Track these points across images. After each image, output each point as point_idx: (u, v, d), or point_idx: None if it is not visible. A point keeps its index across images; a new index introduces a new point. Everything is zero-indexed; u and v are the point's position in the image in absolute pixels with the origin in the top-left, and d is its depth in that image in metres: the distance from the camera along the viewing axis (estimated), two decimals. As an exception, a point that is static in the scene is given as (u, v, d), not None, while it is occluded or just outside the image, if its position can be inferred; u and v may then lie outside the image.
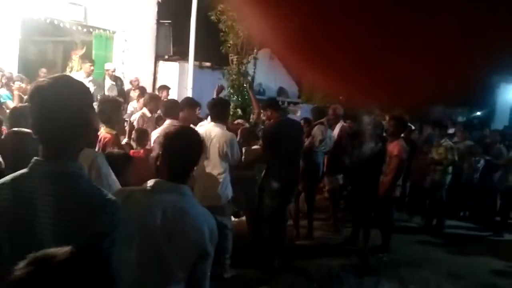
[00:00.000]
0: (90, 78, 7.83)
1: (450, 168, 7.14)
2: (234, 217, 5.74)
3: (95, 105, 4.72)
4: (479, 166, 7.95)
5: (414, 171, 7.46)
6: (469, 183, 7.91)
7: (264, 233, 5.17)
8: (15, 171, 1.46)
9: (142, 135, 4.91)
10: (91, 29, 8.86)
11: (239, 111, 8.03)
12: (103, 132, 3.67)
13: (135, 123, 5.56)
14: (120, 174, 2.84)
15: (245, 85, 8.08)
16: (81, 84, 1.55)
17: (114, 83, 8.40)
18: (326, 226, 6.84)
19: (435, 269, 5.64)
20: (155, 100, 6.17)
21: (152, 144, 4.76)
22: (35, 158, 1.43)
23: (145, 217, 1.80)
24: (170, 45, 10.18)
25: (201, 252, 1.87)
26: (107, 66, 8.44)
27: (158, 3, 9.79)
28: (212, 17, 8.13)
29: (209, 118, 5.08)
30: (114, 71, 8.38)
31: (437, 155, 7.01)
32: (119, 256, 1.41)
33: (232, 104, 7.51)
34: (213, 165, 4.47)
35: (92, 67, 7.70)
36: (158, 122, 5.57)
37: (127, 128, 5.07)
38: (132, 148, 4.79)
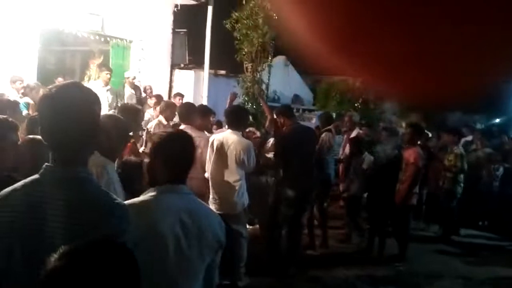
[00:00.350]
0: (108, 87, 7.93)
1: (461, 177, 6.95)
2: (249, 224, 5.73)
3: (115, 113, 4.81)
4: (498, 174, 7.81)
5: (430, 179, 7.36)
6: (488, 191, 7.76)
7: (279, 241, 5.15)
8: None
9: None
10: (108, 39, 9.00)
11: (251, 119, 8.04)
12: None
13: (151, 131, 5.61)
14: (135, 182, 2.86)
15: (255, 92, 8.10)
16: (89, 90, 1.56)
17: (133, 91, 8.51)
18: (341, 234, 6.78)
19: (452, 279, 5.53)
20: (171, 108, 6.20)
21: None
22: (46, 164, 1.45)
23: (162, 224, 1.83)
24: (186, 53, 10.27)
25: (219, 245, 1.95)
26: (127, 74, 8.56)
27: (174, 12, 9.90)
28: (227, 25, 8.19)
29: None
30: (134, 79, 8.49)
31: (448, 162, 6.90)
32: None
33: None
34: (230, 172, 4.48)
35: (109, 75, 7.80)
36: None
37: (144, 136, 5.12)
38: (150, 156, 4.82)
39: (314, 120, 12.64)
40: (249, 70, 8.35)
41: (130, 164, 3.15)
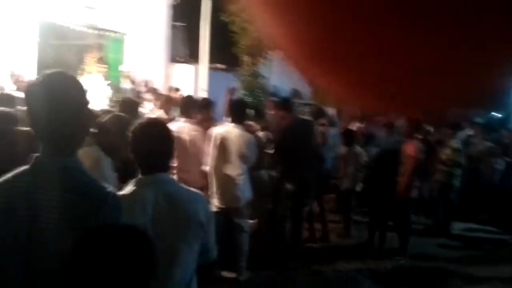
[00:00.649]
0: (108, 81, 7.88)
1: (458, 170, 6.91)
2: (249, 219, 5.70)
3: (115, 107, 4.79)
4: (499, 167, 7.78)
5: (431, 173, 7.32)
6: (488, 185, 7.74)
7: (280, 235, 5.12)
8: None
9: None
10: (105, 32, 8.93)
11: (252, 112, 7.98)
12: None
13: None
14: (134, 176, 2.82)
15: (258, 87, 8.06)
16: (75, 79, 1.55)
17: (132, 86, 8.45)
18: (339, 228, 6.75)
19: (454, 273, 5.51)
20: (170, 103, 6.18)
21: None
22: (35, 154, 1.45)
23: (140, 219, 1.80)
24: (184, 47, 10.21)
25: (200, 226, 1.93)
26: (122, 68, 8.49)
27: (172, 6, 9.83)
28: (224, 19, 8.12)
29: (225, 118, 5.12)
30: (130, 72, 8.42)
31: (444, 155, 6.85)
32: None
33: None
34: (232, 166, 4.44)
35: (106, 70, 7.75)
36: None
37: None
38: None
39: (312, 114, 12.58)
40: (246, 64, 8.29)
41: (129, 158, 3.10)
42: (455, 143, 6.94)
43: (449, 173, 6.86)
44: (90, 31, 8.69)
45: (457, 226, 7.49)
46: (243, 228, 4.53)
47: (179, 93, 7.73)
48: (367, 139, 7.83)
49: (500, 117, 17.75)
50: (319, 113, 6.48)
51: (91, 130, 2.66)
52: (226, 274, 4.59)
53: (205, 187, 4.78)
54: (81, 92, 1.51)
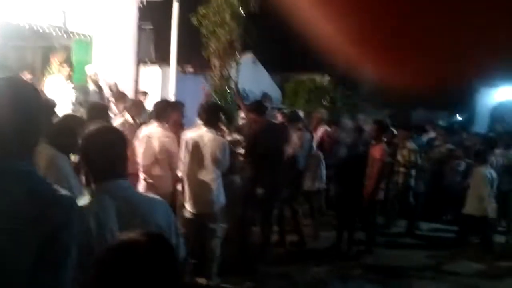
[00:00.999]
0: (72, 84, 7.69)
1: (413, 171, 7.10)
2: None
3: (84, 111, 4.70)
4: (460, 169, 8.04)
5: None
6: (450, 186, 7.98)
7: (248, 239, 5.13)
8: None
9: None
10: (70, 34, 8.72)
11: (222, 117, 7.97)
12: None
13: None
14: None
15: (228, 90, 8.05)
16: (28, 84, 1.56)
17: (96, 89, 8.27)
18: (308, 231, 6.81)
19: (418, 272, 5.66)
20: (138, 106, 6.08)
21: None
22: None
23: (102, 223, 1.77)
24: (152, 49, 10.10)
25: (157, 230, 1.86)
26: (87, 68, 8.30)
27: (139, 8, 9.69)
28: (194, 22, 8.08)
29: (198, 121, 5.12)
30: (95, 75, 8.24)
31: (401, 157, 7.02)
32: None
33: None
34: (206, 171, 4.40)
35: (70, 71, 7.57)
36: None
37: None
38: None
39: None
40: (216, 67, 8.27)
41: None
42: (411, 144, 7.13)
43: (406, 173, 7.03)
44: (56, 32, 8.47)
45: (422, 227, 7.70)
46: (216, 234, 4.51)
47: (146, 97, 7.63)
48: (334, 143, 7.94)
49: (462, 120, 18.40)
50: (295, 117, 6.55)
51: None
52: (197, 279, 4.57)
53: (176, 192, 4.76)
54: (33, 97, 1.51)
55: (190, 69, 10.43)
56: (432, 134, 8.83)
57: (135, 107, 5.94)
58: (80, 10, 8.46)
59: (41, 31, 8.20)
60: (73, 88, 7.48)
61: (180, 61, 9.74)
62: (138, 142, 4.70)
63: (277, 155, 5.09)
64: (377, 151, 5.90)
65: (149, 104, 7.59)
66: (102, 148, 1.87)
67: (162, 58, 10.11)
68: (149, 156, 4.66)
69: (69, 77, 7.56)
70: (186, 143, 4.44)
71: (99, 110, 4.48)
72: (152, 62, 10.20)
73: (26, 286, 1.32)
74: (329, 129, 7.81)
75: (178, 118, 5.16)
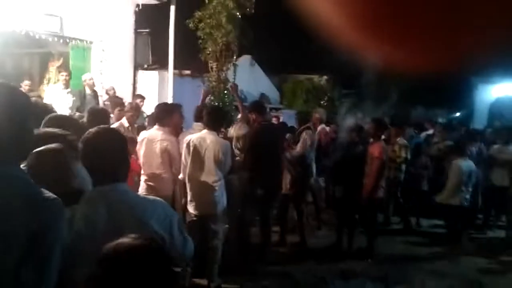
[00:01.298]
0: (69, 89, 7.72)
1: (403, 166, 7.13)
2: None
3: (85, 116, 4.70)
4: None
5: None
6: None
7: (247, 239, 5.14)
8: None
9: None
10: (67, 40, 8.75)
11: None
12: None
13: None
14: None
15: (225, 92, 8.06)
16: (17, 91, 1.59)
17: (92, 94, 8.28)
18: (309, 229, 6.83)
19: (420, 269, 5.66)
20: (135, 110, 6.09)
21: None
22: None
23: (93, 225, 1.77)
24: (149, 54, 10.12)
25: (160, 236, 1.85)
26: (84, 76, 8.32)
27: (136, 12, 9.72)
28: (190, 25, 8.10)
29: (194, 124, 5.15)
30: (91, 79, 8.26)
31: (392, 153, 7.04)
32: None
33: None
34: (208, 173, 4.42)
35: (67, 77, 7.60)
36: (139, 131, 5.48)
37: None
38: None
39: (281, 119, 12.70)
40: (214, 69, 8.28)
41: None
42: (402, 140, 7.17)
43: (396, 168, 7.05)
44: (53, 39, 8.50)
45: (423, 223, 7.70)
46: (218, 235, 4.52)
47: (143, 101, 7.64)
48: (333, 141, 7.96)
49: (461, 116, 18.40)
50: (305, 118, 6.70)
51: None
52: (198, 281, 4.58)
53: (176, 195, 4.78)
54: (24, 103, 1.54)
55: (187, 72, 10.44)
56: (430, 131, 8.83)
57: (131, 111, 5.95)
58: (77, 16, 8.49)
59: (37, 37, 8.22)
60: (69, 93, 7.50)
61: (177, 65, 9.76)
62: (139, 145, 4.73)
63: (274, 155, 5.11)
64: (375, 149, 5.91)
65: (146, 108, 7.62)
66: (101, 151, 1.87)
67: (159, 62, 10.13)
68: (150, 158, 4.68)
69: (67, 83, 7.59)
70: (188, 145, 4.45)
71: (99, 114, 4.49)
72: (150, 66, 10.21)
73: (12, 285, 1.34)
74: (327, 128, 7.83)
75: (179, 121, 5.18)
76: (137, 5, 9.61)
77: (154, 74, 10.16)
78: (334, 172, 6.58)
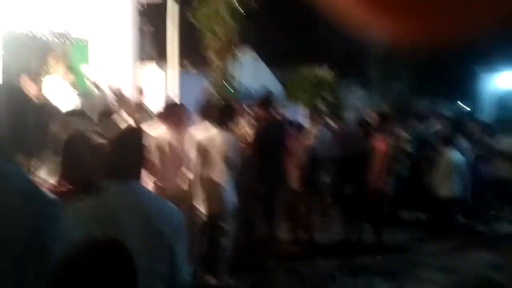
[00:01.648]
0: (73, 88, 7.68)
1: (405, 159, 7.07)
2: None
3: (92, 114, 4.68)
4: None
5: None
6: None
7: (253, 235, 5.11)
8: None
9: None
10: (71, 39, 8.70)
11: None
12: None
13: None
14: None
15: (228, 87, 8.02)
16: (15, 88, 1.62)
17: (97, 91, 8.25)
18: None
19: (428, 264, 5.61)
20: (141, 110, 6.08)
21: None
22: None
23: (111, 227, 1.75)
24: (152, 50, 10.08)
25: (166, 246, 1.81)
26: (87, 74, 8.28)
27: (139, 10, 9.67)
28: (191, 19, 8.04)
29: (198, 120, 5.06)
30: (94, 77, 8.22)
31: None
32: None
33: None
34: (218, 171, 4.38)
35: (67, 73, 7.56)
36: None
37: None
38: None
39: (285, 113, 12.69)
40: (215, 64, 8.23)
41: None
42: (403, 132, 7.11)
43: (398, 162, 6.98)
44: (53, 37, 8.46)
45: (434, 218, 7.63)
46: (228, 233, 4.50)
47: (142, 93, 7.57)
48: (339, 135, 7.90)
49: (468, 108, 18.28)
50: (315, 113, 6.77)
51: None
52: (207, 278, 4.56)
53: (184, 193, 4.74)
54: (19, 100, 1.56)
55: (190, 68, 10.40)
56: (436, 124, 8.71)
57: (138, 110, 5.93)
58: (78, 14, 8.44)
59: (38, 36, 8.18)
60: (69, 87, 7.47)
61: (180, 61, 9.71)
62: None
63: (276, 151, 5.05)
64: (381, 144, 5.86)
65: (150, 105, 7.58)
66: (120, 148, 1.89)
67: (162, 58, 10.09)
68: (156, 157, 4.64)
69: (66, 75, 7.53)
70: (197, 143, 4.41)
71: (108, 115, 4.43)
72: (152, 63, 10.18)
73: (11, 285, 1.35)
74: (331, 123, 7.78)
75: (185, 119, 5.11)
76: (141, 3, 9.56)
77: (156, 70, 10.13)
78: (341, 168, 6.52)
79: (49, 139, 2.79)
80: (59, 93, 7.40)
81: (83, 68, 8.70)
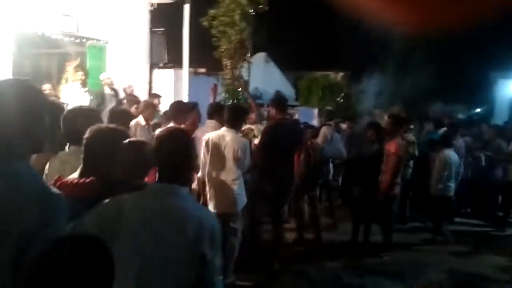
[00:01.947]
0: (86, 88, 7.80)
1: (411, 162, 7.07)
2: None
3: (105, 116, 4.74)
4: (481, 163, 7.88)
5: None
6: (469, 179, 7.84)
7: (260, 236, 5.12)
8: None
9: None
10: (84, 40, 8.84)
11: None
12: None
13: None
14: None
15: (239, 89, 8.06)
16: (30, 87, 1.58)
17: (113, 93, 8.36)
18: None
19: (437, 267, 5.57)
20: (151, 108, 6.13)
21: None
22: None
23: (144, 223, 1.78)
24: (164, 52, 10.17)
25: (198, 253, 1.81)
26: (102, 76, 8.41)
27: (151, 11, 9.78)
28: (204, 23, 8.12)
29: (207, 121, 5.15)
30: (109, 79, 8.34)
31: None
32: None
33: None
34: (228, 171, 4.41)
35: (83, 76, 7.69)
36: (155, 129, 5.52)
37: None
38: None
39: (296, 116, 12.68)
40: (228, 67, 8.29)
41: None
42: (411, 136, 7.08)
43: (406, 165, 6.93)
44: (69, 39, 8.60)
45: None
46: (237, 233, 4.52)
47: (159, 99, 7.68)
48: (350, 137, 7.91)
49: (482, 112, 18.07)
50: (328, 115, 6.93)
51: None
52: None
53: (194, 192, 4.78)
54: (34, 100, 1.54)
55: (203, 70, 10.48)
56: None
57: (148, 109, 5.99)
58: (92, 16, 8.58)
59: (54, 38, 8.33)
60: (86, 92, 7.58)
61: (192, 63, 9.79)
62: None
63: (286, 152, 5.05)
64: (392, 146, 5.84)
65: (162, 106, 7.65)
66: (170, 152, 1.91)
67: (174, 61, 10.17)
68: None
69: (84, 82, 7.67)
70: (207, 143, 4.44)
71: (120, 115, 4.47)
72: (165, 65, 10.27)
73: (9, 281, 1.35)
74: (342, 125, 7.80)
75: (196, 119, 5.18)
76: (152, 4, 9.67)
77: (169, 73, 10.21)
78: (350, 171, 6.53)
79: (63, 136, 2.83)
80: (75, 96, 7.54)
81: (98, 69, 8.84)
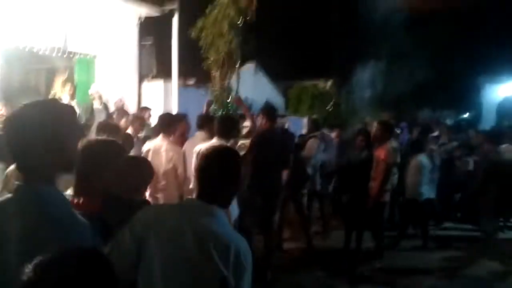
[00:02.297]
0: (74, 101, 7.78)
1: (395, 169, 7.06)
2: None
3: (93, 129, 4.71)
4: (469, 167, 7.96)
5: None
6: (458, 184, 7.91)
7: (252, 246, 5.10)
8: None
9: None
10: (71, 55, 8.82)
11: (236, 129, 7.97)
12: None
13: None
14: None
15: (228, 100, 8.06)
16: (59, 109, 1.55)
17: (102, 107, 8.34)
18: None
19: (429, 273, 5.58)
20: (140, 121, 6.14)
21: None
22: (16, 183, 1.47)
23: (171, 237, 1.75)
24: (154, 64, 10.19)
25: (220, 277, 1.73)
26: (91, 90, 8.39)
27: (139, 24, 9.80)
28: (192, 35, 8.14)
29: (196, 132, 5.17)
30: (98, 92, 8.32)
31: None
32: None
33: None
34: None
35: (72, 90, 7.67)
36: (144, 142, 5.50)
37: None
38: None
39: (286, 125, 12.72)
40: (216, 78, 8.30)
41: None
42: (393, 142, 7.08)
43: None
44: (57, 53, 8.57)
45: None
46: None
47: (149, 112, 7.69)
48: (340, 145, 7.93)
49: (469, 117, 18.27)
50: (316, 126, 7.15)
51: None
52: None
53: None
54: (60, 122, 1.49)
55: (192, 82, 10.50)
56: (435, 133, 8.75)
57: (137, 121, 5.99)
58: (80, 30, 8.57)
59: (41, 53, 8.29)
60: (75, 105, 7.56)
61: (182, 74, 9.81)
62: (144, 156, 4.72)
63: (274, 161, 5.05)
64: (381, 152, 5.86)
65: (152, 119, 7.65)
66: (217, 172, 1.86)
67: (163, 73, 10.19)
68: (155, 169, 4.66)
69: (72, 95, 7.65)
70: (198, 155, 4.42)
71: (107, 129, 4.46)
72: (154, 77, 10.28)
73: None
74: (330, 133, 7.85)
75: (185, 131, 5.18)
76: (140, 18, 9.69)
77: (159, 85, 10.22)
78: (340, 179, 6.56)
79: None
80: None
81: (86, 82, 8.81)
